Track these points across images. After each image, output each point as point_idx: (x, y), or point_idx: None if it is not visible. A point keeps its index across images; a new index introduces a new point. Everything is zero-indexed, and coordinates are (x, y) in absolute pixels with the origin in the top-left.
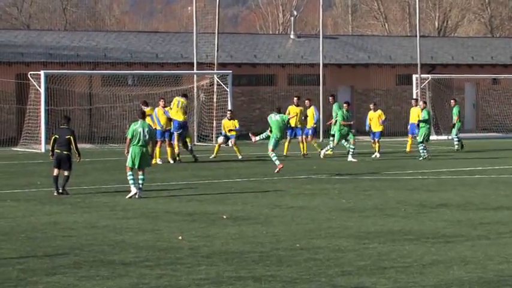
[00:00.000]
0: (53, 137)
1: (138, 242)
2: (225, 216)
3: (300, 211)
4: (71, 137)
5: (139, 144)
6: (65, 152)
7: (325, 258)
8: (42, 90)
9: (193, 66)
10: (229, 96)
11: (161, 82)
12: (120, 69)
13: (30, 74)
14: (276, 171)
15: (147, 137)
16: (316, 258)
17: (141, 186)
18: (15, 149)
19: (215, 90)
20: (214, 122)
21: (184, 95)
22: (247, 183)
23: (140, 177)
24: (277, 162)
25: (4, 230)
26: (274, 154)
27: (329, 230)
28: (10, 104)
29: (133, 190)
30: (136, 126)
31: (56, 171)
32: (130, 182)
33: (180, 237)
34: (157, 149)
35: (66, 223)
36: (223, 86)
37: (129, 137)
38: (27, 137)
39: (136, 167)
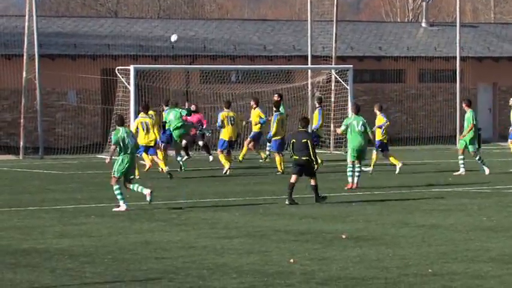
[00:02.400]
0: (291, 141)
1: (242, 265)
2: (344, 236)
3: (433, 230)
4: (308, 141)
5: (128, 153)
6: (303, 158)
7: (462, 285)
8: (131, 87)
9: (308, 59)
10: (349, 94)
11: (270, 78)
12: (222, 64)
13: (118, 69)
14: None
15: (132, 143)
16: (452, 286)
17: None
18: (100, 156)
19: (333, 87)
20: (332, 125)
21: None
22: (370, 197)
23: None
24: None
25: (88, 251)
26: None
27: (467, 252)
28: (95, 104)
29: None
30: (121, 133)
31: (293, 178)
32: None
33: (291, 260)
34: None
35: (159, 243)
36: (343, 83)
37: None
38: None
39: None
